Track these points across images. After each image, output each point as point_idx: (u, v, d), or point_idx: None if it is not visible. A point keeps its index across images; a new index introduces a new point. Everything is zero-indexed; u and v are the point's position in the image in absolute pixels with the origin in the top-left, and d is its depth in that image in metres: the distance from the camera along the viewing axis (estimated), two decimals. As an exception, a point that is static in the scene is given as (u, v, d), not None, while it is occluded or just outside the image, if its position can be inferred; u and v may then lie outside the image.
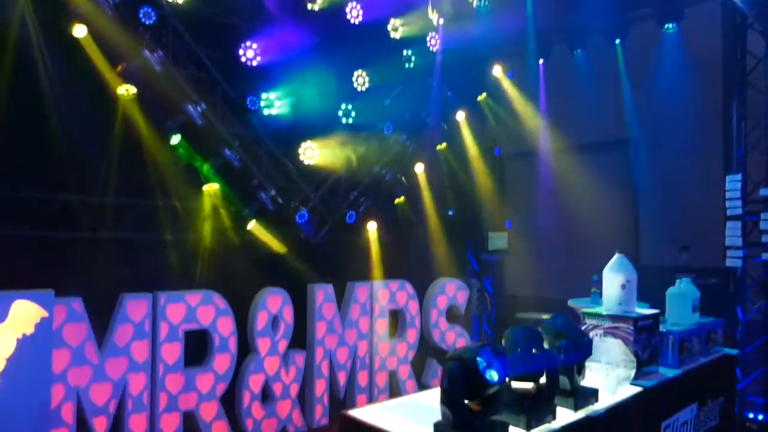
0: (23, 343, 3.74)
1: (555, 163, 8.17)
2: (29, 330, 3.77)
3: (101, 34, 4.80)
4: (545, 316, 7.11)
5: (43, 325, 3.83)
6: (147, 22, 4.97)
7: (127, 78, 4.97)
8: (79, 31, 4.72)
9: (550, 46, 7.92)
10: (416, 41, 7.02)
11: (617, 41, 7.37)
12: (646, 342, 2.95)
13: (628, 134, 7.56)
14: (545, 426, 2.25)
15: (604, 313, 3.00)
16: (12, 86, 4.43)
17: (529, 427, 2.19)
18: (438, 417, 2.12)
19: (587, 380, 2.58)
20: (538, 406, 2.26)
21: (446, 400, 2.03)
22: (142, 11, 4.92)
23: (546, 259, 8.16)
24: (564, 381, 2.46)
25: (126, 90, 4.97)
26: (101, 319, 4.45)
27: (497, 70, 7.94)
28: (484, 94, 7.99)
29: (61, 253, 4.63)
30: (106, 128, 4.96)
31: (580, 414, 2.42)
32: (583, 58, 7.68)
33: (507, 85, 8.07)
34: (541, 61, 8.08)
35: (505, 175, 8.71)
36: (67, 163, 4.70)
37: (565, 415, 2.36)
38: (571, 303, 6.06)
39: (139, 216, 5.20)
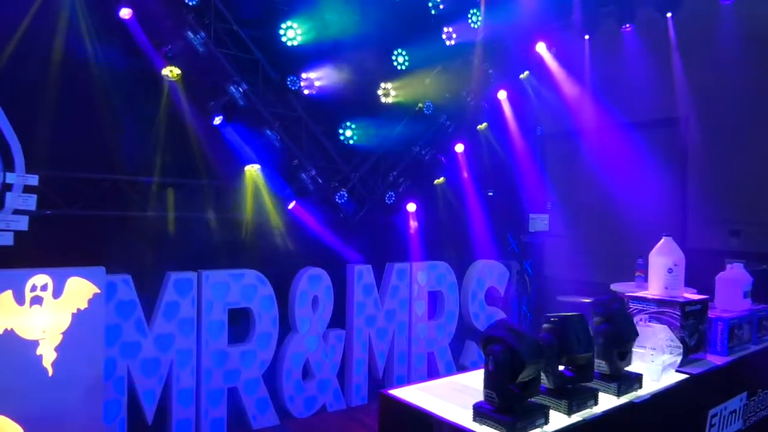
0: (77, 318, 3.91)
1: (599, 142, 7.92)
2: (83, 305, 3.93)
3: (146, 15, 4.89)
4: (587, 300, 7.03)
5: (95, 301, 3.99)
6: (190, 3, 5.03)
7: (171, 59, 5.06)
8: (125, 12, 4.81)
9: (597, 20, 7.63)
10: (457, 18, 6.88)
11: (669, 14, 7.04)
12: (693, 328, 2.87)
13: (679, 112, 7.25)
14: (587, 411, 2.22)
15: (650, 297, 2.92)
16: (62, 70, 4.58)
17: (570, 411, 2.16)
18: (477, 398, 2.11)
19: (631, 366, 2.52)
20: (580, 391, 2.23)
21: (491, 382, 2.02)
22: (185, -8, 4.98)
23: (588, 242, 7.97)
24: (606, 366, 2.42)
25: (170, 71, 5.06)
26: (149, 296, 4.61)
27: (540, 47, 7.72)
28: (526, 72, 7.80)
29: (111, 232, 4.80)
30: (152, 109, 5.08)
31: (623, 400, 2.38)
32: (632, 32, 7.38)
33: (550, 62, 7.85)
34: (586, 37, 7.80)
35: (547, 155, 8.52)
36: (116, 144, 4.85)
37: (607, 401, 2.33)
38: (614, 287, 5.95)
39: (184, 195, 5.32)
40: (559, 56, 7.86)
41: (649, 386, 2.52)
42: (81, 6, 4.63)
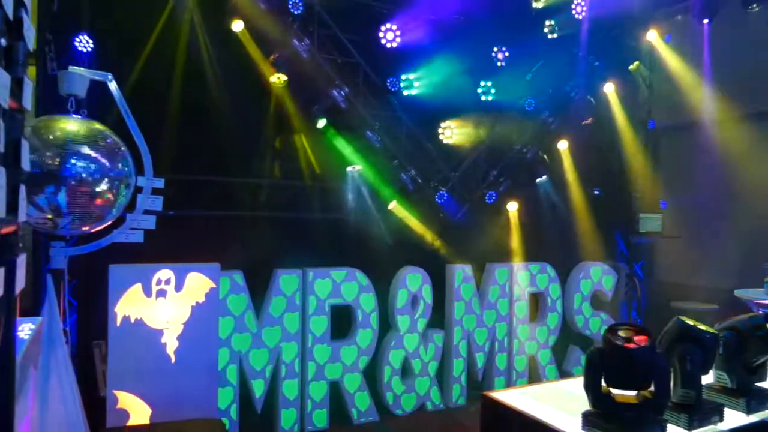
0: (196, 310, 4.22)
1: (720, 135, 7.29)
2: (200, 299, 4.24)
3: (255, 26, 5.19)
4: (706, 306, 6.50)
5: (211, 295, 4.29)
6: (295, 12, 5.25)
7: (278, 67, 5.32)
8: (237, 25, 5.13)
9: (718, 2, 7.01)
10: (560, 9, 6.62)
11: (805, -9, 6.32)
12: (839, 342, 2.56)
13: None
14: (710, 427, 2.05)
15: (785, 306, 2.64)
16: (182, 80, 4.98)
17: (690, 427, 2.01)
18: (585, 406, 2.03)
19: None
20: (703, 406, 2.07)
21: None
22: (291, 1, 5.20)
23: (707, 244, 7.36)
24: (731, 380, 2.23)
25: (278, 78, 5.32)
26: (258, 291, 4.88)
27: (652, 35, 7.23)
28: (636, 63, 7.34)
29: (225, 230, 5.13)
30: (261, 115, 5.37)
31: (753, 418, 2.17)
32: (761, 13, 6.70)
33: (664, 50, 7.32)
34: (705, 21, 7.19)
35: (660, 151, 7.97)
36: (229, 148, 5.18)
37: (734, 418, 2.14)
38: (739, 293, 5.47)
39: (291, 196, 5.58)
40: (674, 44, 7.32)
41: (785, 404, 2.28)
42: (199, 21, 5.01)
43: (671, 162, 8.01)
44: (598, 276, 6.49)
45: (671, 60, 7.31)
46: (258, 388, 4.81)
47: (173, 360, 4.14)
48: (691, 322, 2.09)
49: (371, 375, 5.37)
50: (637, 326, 2.06)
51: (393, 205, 5.87)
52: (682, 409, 2.02)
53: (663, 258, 8.04)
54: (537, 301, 6.34)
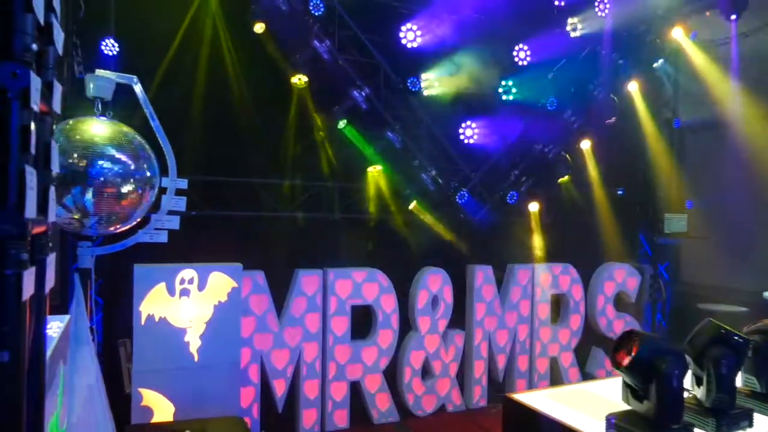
0: (218, 309, 4.27)
1: (748, 133, 7.12)
2: (223, 298, 4.29)
3: (277, 28, 5.21)
4: (734, 308, 6.36)
5: (233, 295, 4.33)
6: (316, 14, 5.27)
7: (299, 68, 5.35)
8: (259, 27, 5.16)
9: (746, -3, 6.85)
10: (583, 7, 6.54)
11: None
12: None
13: None
14: (739, 433, 2.01)
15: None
16: (205, 82, 5.04)
17: (719, 431, 1.97)
18: (609, 409, 2.01)
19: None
20: (731, 410, 2.02)
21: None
22: (312, 3, 5.22)
23: (734, 245, 7.19)
24: (760, 385, 2.18)
25: (299, 79, 5.35)
26: (280, 291, 4.91)
27: (678, 32, 7.10)
28: (660, 60, 7.22)
29: (247, 231, 5.18)
30: (283, 116, 5.41)
31: (784, 423, 2.12)
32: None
33: (689, 47, 7.18)
34: (733, 17, 7.03)
35: (685, 150, 7.82)
36: (251, 149, 5.23)
37: (765, 423, 2.09)
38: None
39: (312, 197, 5.60)
40: (700, 41, 7.18)
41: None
42: (221, 24, 5.06)
43: (697, 161, 7.85)
44: (621, 277, 6.41)
45: (697, 57, 7.17)
46: (279, 387, 4.84)
47: (196, 359, 4.20)
48: (724, 326, 2.05)
49: (392, 375, 5.38)
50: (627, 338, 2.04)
51: (413, 206, 5.86)
52: (711, 413, 1.98)
53: (689, 259, 7.88)
54: (559, 302, 6.27)
